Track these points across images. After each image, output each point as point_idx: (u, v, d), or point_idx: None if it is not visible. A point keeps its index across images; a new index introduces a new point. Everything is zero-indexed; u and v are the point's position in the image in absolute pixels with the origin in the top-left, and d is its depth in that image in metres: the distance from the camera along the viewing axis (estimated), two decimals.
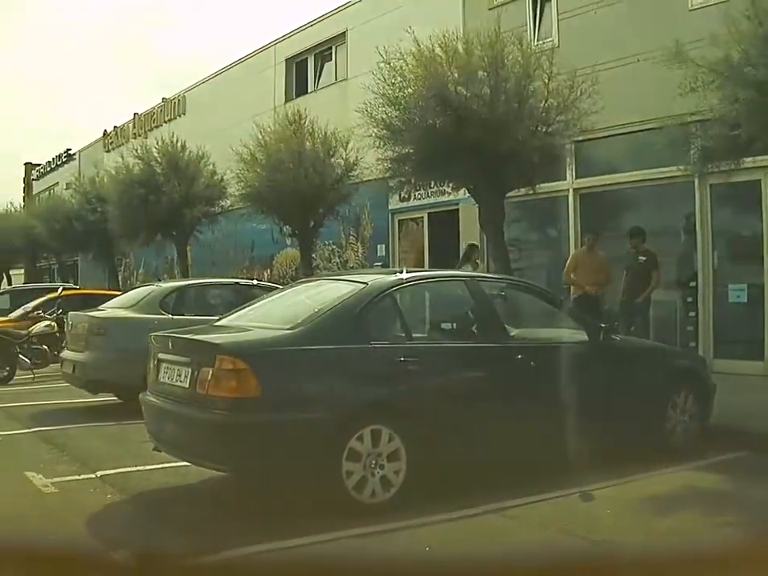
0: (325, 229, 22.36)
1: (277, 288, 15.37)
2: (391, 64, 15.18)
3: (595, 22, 18.29)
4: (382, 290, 8.69)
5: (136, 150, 27.42)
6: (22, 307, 22.60)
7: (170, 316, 13.89)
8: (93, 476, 9.34)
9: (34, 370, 18.51)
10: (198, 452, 8.01)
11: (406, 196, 23.10)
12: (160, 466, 9.31)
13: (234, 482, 8.82)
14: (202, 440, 7.86)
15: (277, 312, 9.38)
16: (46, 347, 18.73)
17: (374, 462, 7.77)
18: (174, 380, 8.21)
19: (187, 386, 7.97)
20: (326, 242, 25.89)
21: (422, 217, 23.94)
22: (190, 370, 7.98)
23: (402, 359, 8.20)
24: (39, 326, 19.13)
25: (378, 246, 25.37)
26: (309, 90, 29.33)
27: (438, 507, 7.70)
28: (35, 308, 21.61)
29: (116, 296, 20.74)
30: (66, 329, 15.09)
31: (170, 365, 8.36)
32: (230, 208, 25.61)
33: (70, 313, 15.14)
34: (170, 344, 8.57)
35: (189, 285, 15.26)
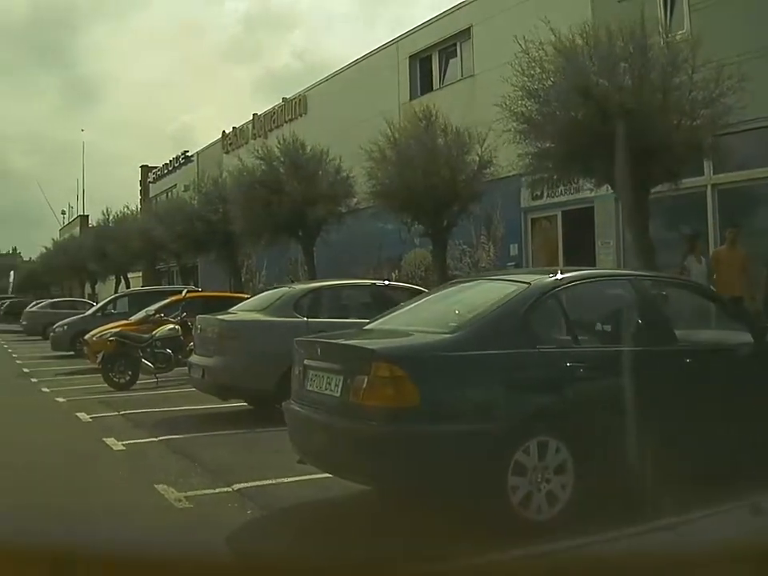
0: (456, 228, 21.99)
1: (413, 289, 15.12)
2: (529, 54, 14.96)
3: (728, 11, 17.69)
4: (546, 290, 8.10)
5: (257, 150, 27.39)
6: (144, 310, 22.61)
7: (305, 319, 13.44)
8: (228, 489, 8.87)
9: (158, 375, 18.39)
10: (348, 465, 7.55)
11: (539, 194, 22.73)
12: (300, 478, 8.76)
13: (381, 497, 8.27)
14: (353, 453, 7.37)
15: (433, 315, 8.84)
16: (170, 351, 18.59)
17: (540, 475, 7.19)
18: (324, 388, 7.70)
19: (338, 394, 7.47)
20: (457, 242, 25.45)
21: (556, 215, 23.59)
22: (341, 377, 7.48)
23: (570, 364, 7.60)
24: (163, 330, 18.98)
25: (511, 246, 25.07)
26: (434, 87, 29.33)
27: (608, 523, 7.00)
28: (158, 311, 21.54)
29: (240, 299, 20.58)
30: (193, 332, 14.74)
31: (319, 372, 7.86)
32: (356, 207, 25.47)
33: (199, 316, 14.81)
34: (319, 350, 8.06)
35: (324, 286, 14.75)
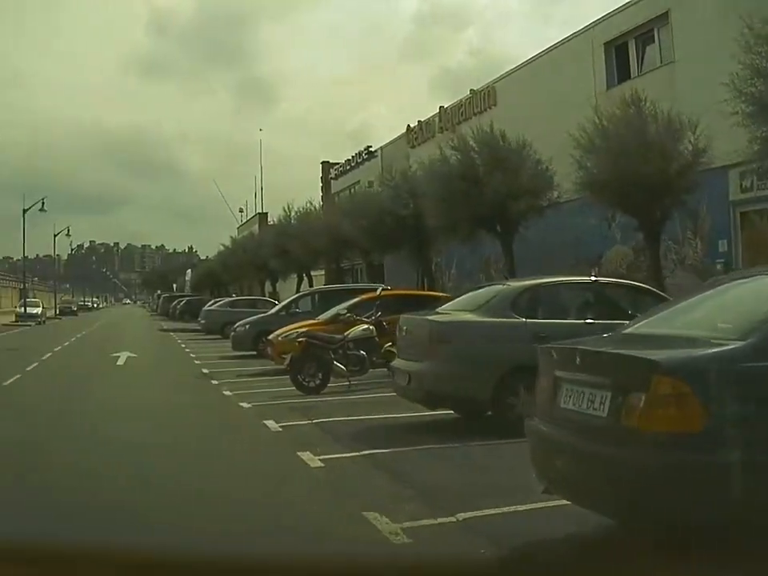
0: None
1: (639, 288, 14.30)
2: (753, 30, 14.25)
3: None
4: None
5: (452, 140, 26.33)
6: (336, 309, 21.74)
7: (523, 320, 12.23)
8: (452, 519, 7.56)
9: (350, 379, 17.46)
10: (613, 501, 6.16)
11: (748, 185, 21.79)
12: (532, 506, 7.48)
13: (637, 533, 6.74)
14: (622, 486, 5.98)
15: (708, 318, 7.30)
16: (363, 353, 17.70)
17: None
18: (585, 407, 6.34)
19: (605, 414, 6.13)
20: (662, 238, 23.83)
21: None
22: (610, 394, 6.12)
23: None
24: (356, 330, 18.09)
25: (720, 242, 23.82)
26: (632, 75, 28.36)
27: None
28: (349, 309, 20.53)
29: (437, 298, 19.72)
30: (396, 333, 13.49)
31: (579, 386, 6.48)
32: (557, 200, 24.34)
33: (403, 316, 13.58)
34: (580, 359, 6.62)
35: (542, 284, 13.33)
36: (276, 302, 36.30)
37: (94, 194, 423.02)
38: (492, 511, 7.70)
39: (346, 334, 17.99)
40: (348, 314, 19.91)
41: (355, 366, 17.54)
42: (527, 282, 13.36)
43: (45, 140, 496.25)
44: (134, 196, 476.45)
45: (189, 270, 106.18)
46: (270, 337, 22.09)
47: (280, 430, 12.71)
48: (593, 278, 14.28)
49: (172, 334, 46.73)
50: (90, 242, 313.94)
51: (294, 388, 17.08)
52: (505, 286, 13.38)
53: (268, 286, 56.28)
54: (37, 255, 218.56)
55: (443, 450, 10.80)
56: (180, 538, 6.90)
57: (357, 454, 10.60)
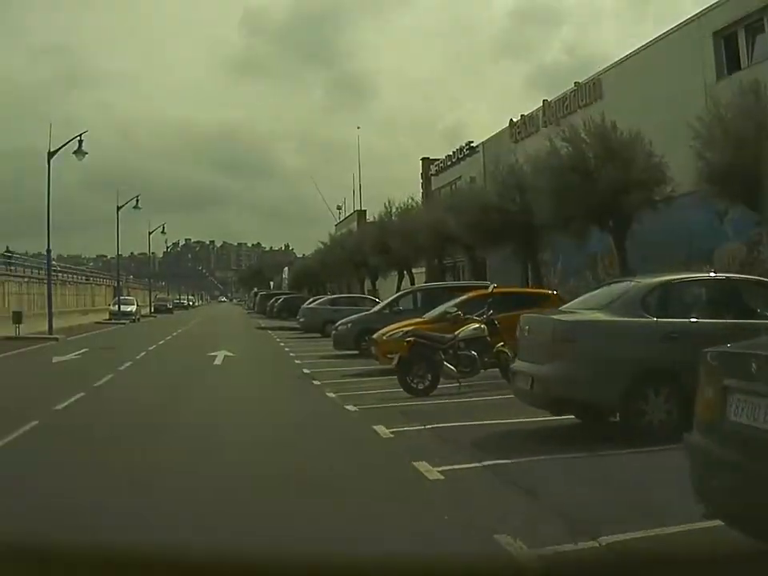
0: None
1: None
2: None
3: None
4: None
5: (563, 132, 25.44)
6: (442, 307, 21.13)
7: (654, 319, 11.41)
8: (594, 544, 6.75)
9: (461, 380, 16.78)
10: None
11: None
12: (686, 528, 6.70)
13: None
14: None
15: None
16: (474, 353, 16.98)
17: None
18: (761, 420, 5.46)
19: None
20: None
21: None
22: None
23: None
24: (467, 329, 17.38)
25: None
26: (742, 66, 27.57)
27: None
28: (457, 307, 19.82)
29: (551, 297, 19.12)
30: (517, 333, 12.68)
31: (753, 397, 5.62)
32: (671, 193, 23.38)
33: (524, 315, 12.79)
34: (756, 366, 5.73)
35: (674, 280, 12.38)
36: (377, 300, 35.83)
37: (189, 192, 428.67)
38: (638, 534, 6.88)
39: (456, 333, 17.28)
40: (457, 312, 19.18)
41: (466, 368, 16.82)
42: (658, 279, 12.44)
43: (138, 139, 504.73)
44: (229, 194, 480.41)
45: (285, 268, 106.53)
46: (375, 336, 21.64)
47: (391, 436, 11.99)
48: (724, 275, 13.41)
49: (270, 332, 46.50)
50: (186, 239, 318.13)
51: (401, 390, 16.48)
52: (634, 283, 12.46)
53: (367, 284, 56.18)
54: (132, 253, 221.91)
55: (571, 460, 9.99)
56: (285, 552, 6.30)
57: (478, 464, 9.82)
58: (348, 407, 15.06)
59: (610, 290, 12.67)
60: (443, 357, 16.71)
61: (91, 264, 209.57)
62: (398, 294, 30.27)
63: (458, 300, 21.02)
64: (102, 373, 21.30)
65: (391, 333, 20.39)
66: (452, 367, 16.59)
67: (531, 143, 36.15)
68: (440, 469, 9.49)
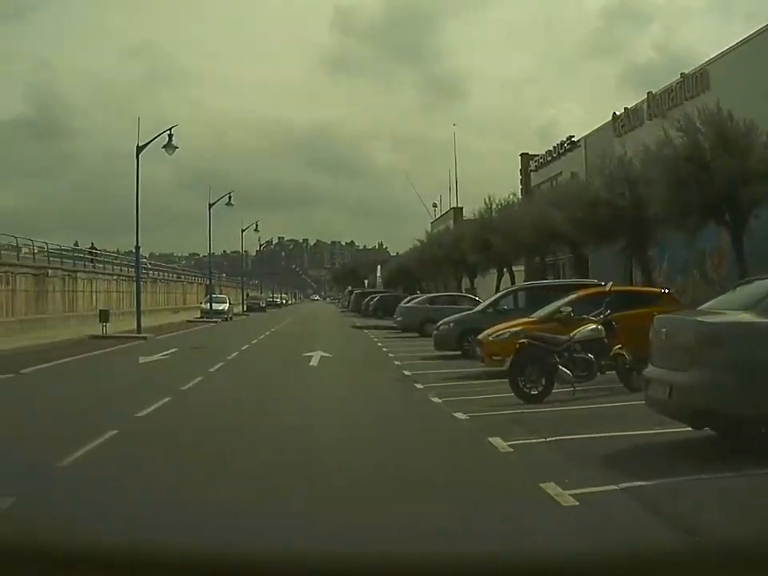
0: None
1: None
2: None
3: None
4: None
5: (678, 121, 24.28)
6: (552, 306, 20.16)
7: None
8: None
9: (576, 385, 15.69)
10: None
11: None
12: None
13: None
14: None
15: None
16: (591, 356, 15.86)
17: None
18: None
19: None
20: None
21: None
22: None
23: None
24: (584, 330, 16.23)
25: None
26: None
27: None
28: (571, 306, 18.90)
29: (659, 294, 19.73)
30: (650, 336, 11.44)
31: None
32: None
33: (659, 316, 11.54)
34: None
35: None
36: (477, 299, 34.92)
37: (282, 190, 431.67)
38: None
39: (572, 334, 16.15)
40: (570, 312, 18.11)
41: (582, 372, 15.72)
42: None
43: (231, 138, 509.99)
44: (323, 193, 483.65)
45: (379, 266, 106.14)
46: (480, 336, 20.65)
47: (510, 450, 10.76)
48: None
49: (366, 331, 45.77)
50: (279, 238, 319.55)
51: (510, 394, 15.43)
52: None
53: (465, 282, 55.48)
54: (224, 252, 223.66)
55: (720, 481, 8.69)
56: None
57: (615, 487, 8.53)
58: (457, 414, 13.94)
59: (753, 289, 11.33)
60: (558, 360, 15.61)
61: (183, 262, 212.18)
62: (502, 293, 29.46)
63: (568, 299, 20.05)
64: (191, 374, 20.56)
65: (498, 333, 19.58)
66: (568, 372, 15.49)
67: (636, 136, 35.92)
68: (572, 492, 8.24)
